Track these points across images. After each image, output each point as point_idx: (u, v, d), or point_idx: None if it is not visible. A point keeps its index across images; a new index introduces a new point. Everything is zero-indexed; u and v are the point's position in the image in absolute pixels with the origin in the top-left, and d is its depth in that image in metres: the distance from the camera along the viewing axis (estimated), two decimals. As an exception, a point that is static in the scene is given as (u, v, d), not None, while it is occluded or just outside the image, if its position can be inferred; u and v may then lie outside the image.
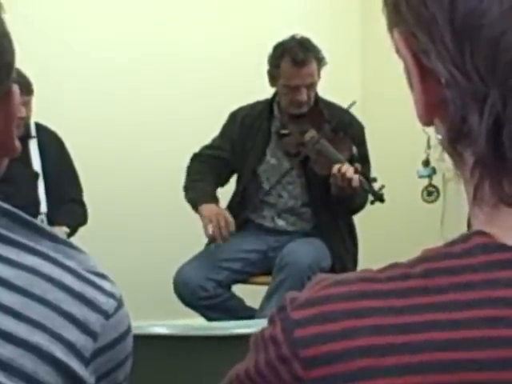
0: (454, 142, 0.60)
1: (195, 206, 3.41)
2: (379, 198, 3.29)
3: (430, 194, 3.90)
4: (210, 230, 3.31)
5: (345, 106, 3.46)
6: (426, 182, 3.89)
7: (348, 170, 3.19)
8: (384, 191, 3.28)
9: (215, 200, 3.45)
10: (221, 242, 3.33)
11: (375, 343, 0.58)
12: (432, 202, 3.92)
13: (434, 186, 3.88)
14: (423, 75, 0.61)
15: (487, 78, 0.56)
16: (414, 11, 0.60)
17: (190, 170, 3.58)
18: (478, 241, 0.59)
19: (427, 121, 0.63)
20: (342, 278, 0.63)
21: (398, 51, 0.63)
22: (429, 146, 3.83)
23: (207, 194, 3.43)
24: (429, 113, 0.62)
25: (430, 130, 0.67)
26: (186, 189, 3.52)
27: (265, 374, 0.63)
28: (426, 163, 3.88)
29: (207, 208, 3.35)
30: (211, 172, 3.52)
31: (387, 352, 0.58)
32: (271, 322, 0.63)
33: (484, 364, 0.56)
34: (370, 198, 3.32)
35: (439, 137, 0.64)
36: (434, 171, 3.87)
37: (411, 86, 0.63)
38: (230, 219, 3.34)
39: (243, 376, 0.65)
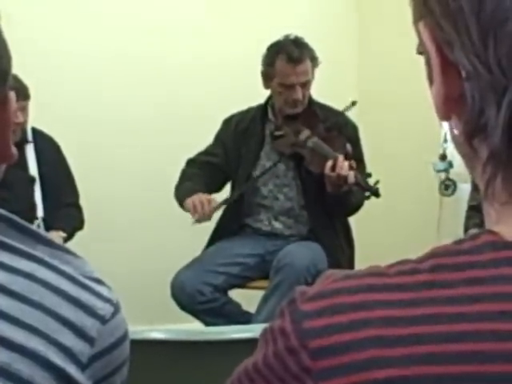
0: (471, 136, 0.61)
1: (181, 203, 3.43)
2: (374, 192, 3.30)
3: (447, 187, 3.94)
4: (192, 210, 3.31)
5: (342, 108, 3.48)
6: (441, 175, 3.93)
7: (343, 166, 3.19)
8: (379, 186, 3.29)
9: None
10: (205, 218, 3.32)
11: (382, 334, 0.59)
12: (449, 195, 3.96)
13: (451, 180, 3.91)
14: (445, 67, 0.62)
15: (508, 71, 0.57)
16: (441, 2, 0.61)
17: (183, 175, 3.61)
18: (486, 239, 0.60)
19: (445, 115, 0.64)
20: (351, 273, 0.64)
21: (421, 44, 0.64)
22: (445, 140, 3.86)
23: (193, 191, 3.43)
24: (447, 107, 0.63)
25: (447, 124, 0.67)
26: (176, 189, 3.55)
27: (273, 366, 0.63)
28: (443, 157, 3.90)
29: (189, 198, 3.37)
30: (204, 175, 3.55)
31: (394, 343, 0.58)
32: (280, 314, 0.64)
33: (489, 356, 0.56)
34: (366, 193, 3.33)
35: (456, 132, 0.64)
36: (450, 165, 3.89)
37: (430, 79, 0.64)
38: (210, 197, 3.36)
39: (251, 369, 0.65)
